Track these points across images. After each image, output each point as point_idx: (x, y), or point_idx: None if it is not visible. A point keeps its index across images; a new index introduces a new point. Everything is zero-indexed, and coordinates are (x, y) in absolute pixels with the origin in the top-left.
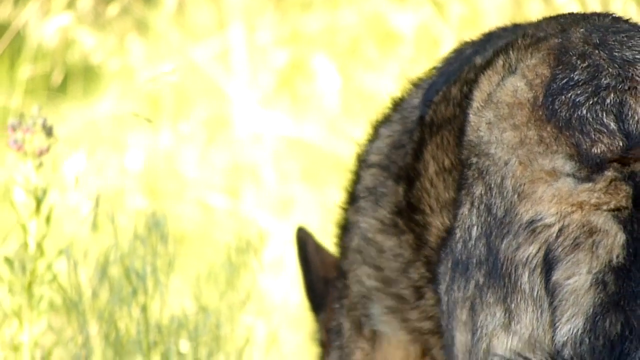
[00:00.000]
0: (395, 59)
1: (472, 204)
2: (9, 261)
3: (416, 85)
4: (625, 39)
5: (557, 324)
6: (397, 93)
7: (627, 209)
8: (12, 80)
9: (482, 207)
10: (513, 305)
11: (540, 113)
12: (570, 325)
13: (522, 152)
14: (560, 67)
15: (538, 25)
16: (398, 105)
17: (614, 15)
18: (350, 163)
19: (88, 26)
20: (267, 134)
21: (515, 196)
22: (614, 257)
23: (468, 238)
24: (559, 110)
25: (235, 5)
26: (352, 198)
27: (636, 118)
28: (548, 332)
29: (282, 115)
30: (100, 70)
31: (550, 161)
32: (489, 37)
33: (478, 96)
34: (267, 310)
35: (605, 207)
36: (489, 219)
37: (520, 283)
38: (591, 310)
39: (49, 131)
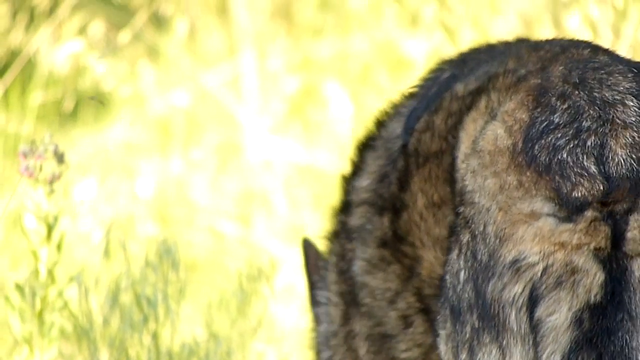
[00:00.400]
0: (407, 85)
1: (460, 250)
2: (19, 288)
3: (397, 112)
4: (604, 76)
5: None
6: (380, 115)
7: (606, 249)
8: (24, 107)
9: (468, 253)
10: (504, 342)
11: (520, 159)
12: None
13: (501, 197)
14: (539, 110)
15: (518, 55)
16: (381, 130)
17: (592, 44)
18: (337, 186)
19: (99, 53)
20: (278, 161)
21: (497, 241)
22: (592, 295)
23: (457, 282)
24: (538, 155)
25: (247, 32)
26: (346, 230)
27: (617, 160)
28: None
29: (294, 142)
30: (112, 97)
31: (529, 204)
32: (465, 59)
33: (465, 140)
34: (278, 338)
35: (586, 248)
36: (474, 264)
37: (509, 322)
38: (567, 347)
39: (60, 158)
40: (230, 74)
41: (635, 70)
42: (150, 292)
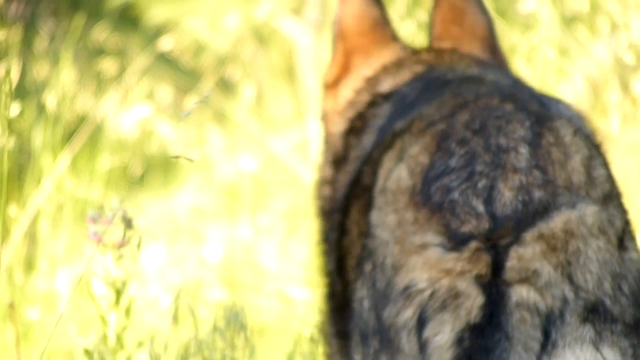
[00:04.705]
0: None
1: (363, 279)
2: (88, 353)
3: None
4: (503, 124)
5: None
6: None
7: (487, 276)
8: (92, 172)
9: (369, 282)
10: None
11: (418, 199)
12: None
13: (398, 232)
14: (439, 154)
15: (442, 100)
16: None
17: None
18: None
19: (167, 117)
20: None
21: (393, 271)
22: (472, 317)
23: (362, 310)
24: (433, 195)
25: (314, 96)
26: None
27: (503, 201)
28: None
29: None
30: (179, 162)
31: (421, 237)
32: (421, 87)
33: (381, 176)
34: None
35: (468, 274)
36: (374, 293)
37: (401, 344)
38: None
39: (128, 223)
40: (298, 138)
41: (534, 118)
42: (219, 357)
